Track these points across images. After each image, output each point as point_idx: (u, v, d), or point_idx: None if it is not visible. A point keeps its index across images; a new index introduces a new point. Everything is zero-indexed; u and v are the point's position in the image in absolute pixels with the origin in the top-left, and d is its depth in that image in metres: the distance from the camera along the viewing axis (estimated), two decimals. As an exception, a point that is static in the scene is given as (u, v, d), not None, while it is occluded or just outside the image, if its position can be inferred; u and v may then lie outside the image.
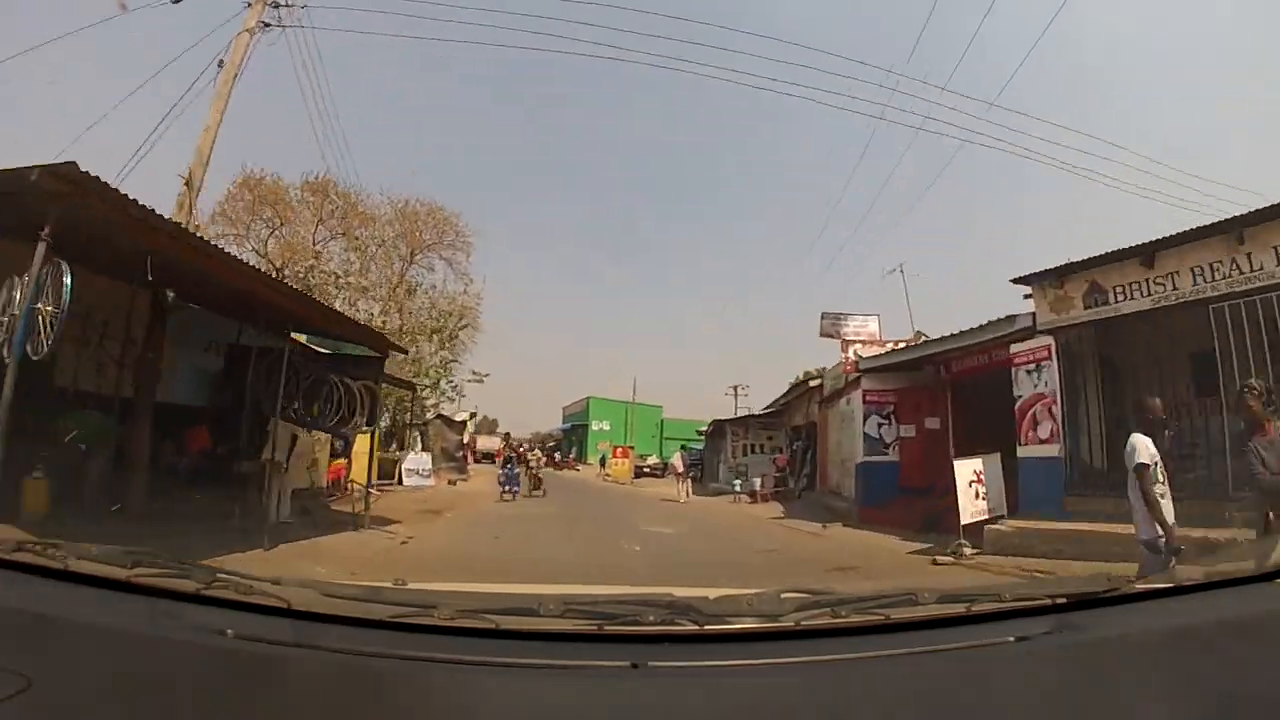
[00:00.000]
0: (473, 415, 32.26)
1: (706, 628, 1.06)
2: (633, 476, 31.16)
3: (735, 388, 43.47)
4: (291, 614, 1.06)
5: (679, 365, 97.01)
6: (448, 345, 24.48)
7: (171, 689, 0.88)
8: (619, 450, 36.07)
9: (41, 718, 0.77)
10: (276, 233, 21.68)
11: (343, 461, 13.57)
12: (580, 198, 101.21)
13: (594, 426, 53.73)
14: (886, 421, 13.26)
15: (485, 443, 43.46)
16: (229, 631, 0.98)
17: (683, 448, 28.87)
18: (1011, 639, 1.06)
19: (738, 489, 20.04)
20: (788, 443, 22.34)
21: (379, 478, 14.43)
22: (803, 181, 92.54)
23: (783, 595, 1.25)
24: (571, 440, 56.62)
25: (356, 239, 22.93)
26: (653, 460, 37.79)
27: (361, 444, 12.94)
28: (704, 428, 32.50)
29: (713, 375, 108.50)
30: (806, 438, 19.72)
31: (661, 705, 0.90)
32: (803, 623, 1.09)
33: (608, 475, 32.76)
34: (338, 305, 18.34)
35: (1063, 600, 1.18)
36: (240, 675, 0.93)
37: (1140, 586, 1.28)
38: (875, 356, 14.30)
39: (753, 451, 23.87)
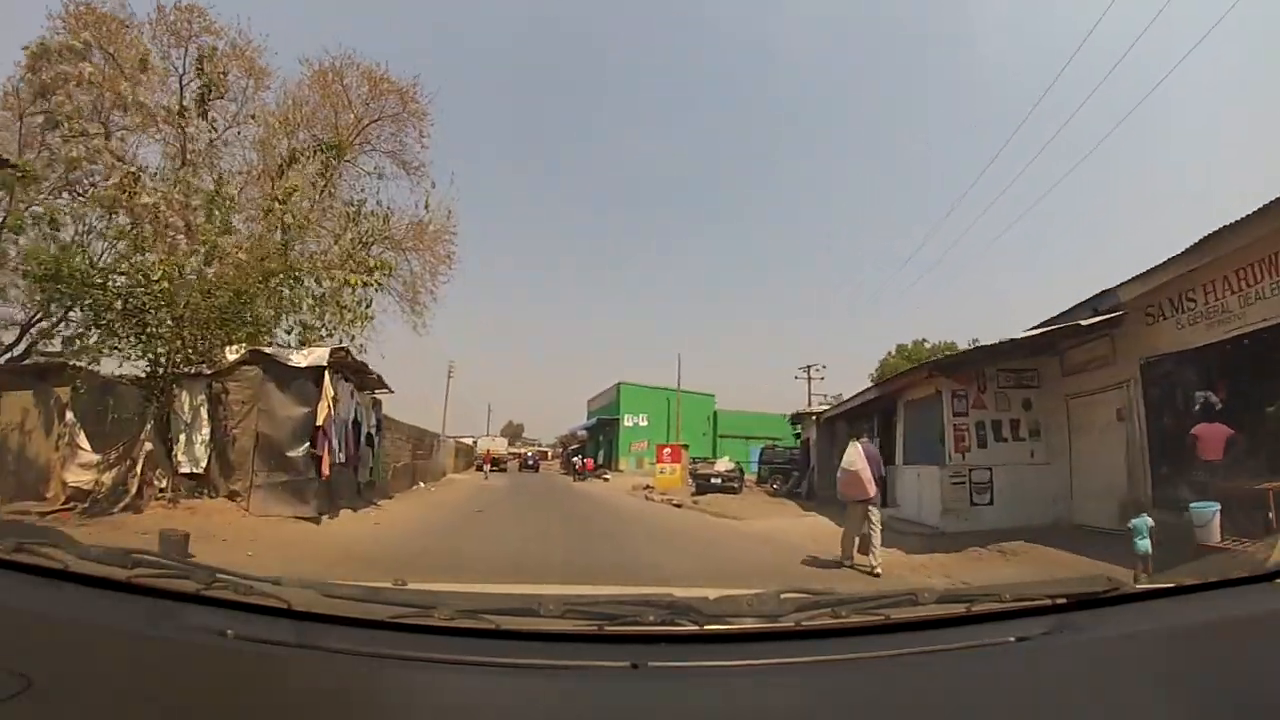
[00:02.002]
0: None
1: (707, 628, 1.07)
2: (692, 492, 20.17)
3: (808, 369, 36.76)
4: (291, 614, 1.06)
5: (723, 350, 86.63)
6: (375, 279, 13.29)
7: (171, 689, 0.88)
8: (668, 451, 25.69)
9: (41, 718, 0.77)
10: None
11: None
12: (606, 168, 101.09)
13: (625, 421, 42.21)
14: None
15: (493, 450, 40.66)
16: (229, 632, 0.98)
17: (770, 446, 23.82)
18: (1011, 639, 1.06)
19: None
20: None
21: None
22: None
23: (783, 596, 1.25)
24: (598, 441, 45.19)
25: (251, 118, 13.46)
26: (723, 465, 22.44)
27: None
28: (802, 419, 21.75)
29: (766, 359, 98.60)
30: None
31: (661, 705, 0.90)
32: (803, 623, 1.09)
33: (651, 490, 22.34)
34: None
35: (1063, 600, 1.18)
36: (240, 675, 0.93)
37: (1140, 587, 1.28)
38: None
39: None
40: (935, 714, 0.91)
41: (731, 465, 22.20)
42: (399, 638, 1.02)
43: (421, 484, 20.39)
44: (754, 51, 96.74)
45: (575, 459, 36.87)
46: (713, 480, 20.36)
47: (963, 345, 34.04)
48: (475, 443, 43.83)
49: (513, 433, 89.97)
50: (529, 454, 53.94)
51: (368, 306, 12.89)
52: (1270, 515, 5.35)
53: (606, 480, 31.63)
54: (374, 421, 14.31)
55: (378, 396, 14.69)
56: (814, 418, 20.10)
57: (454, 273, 16.81)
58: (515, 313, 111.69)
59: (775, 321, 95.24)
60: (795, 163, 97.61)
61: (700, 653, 1.04)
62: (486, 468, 34.52)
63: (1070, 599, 1.18)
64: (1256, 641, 1.11)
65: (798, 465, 20.80)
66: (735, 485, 20.31)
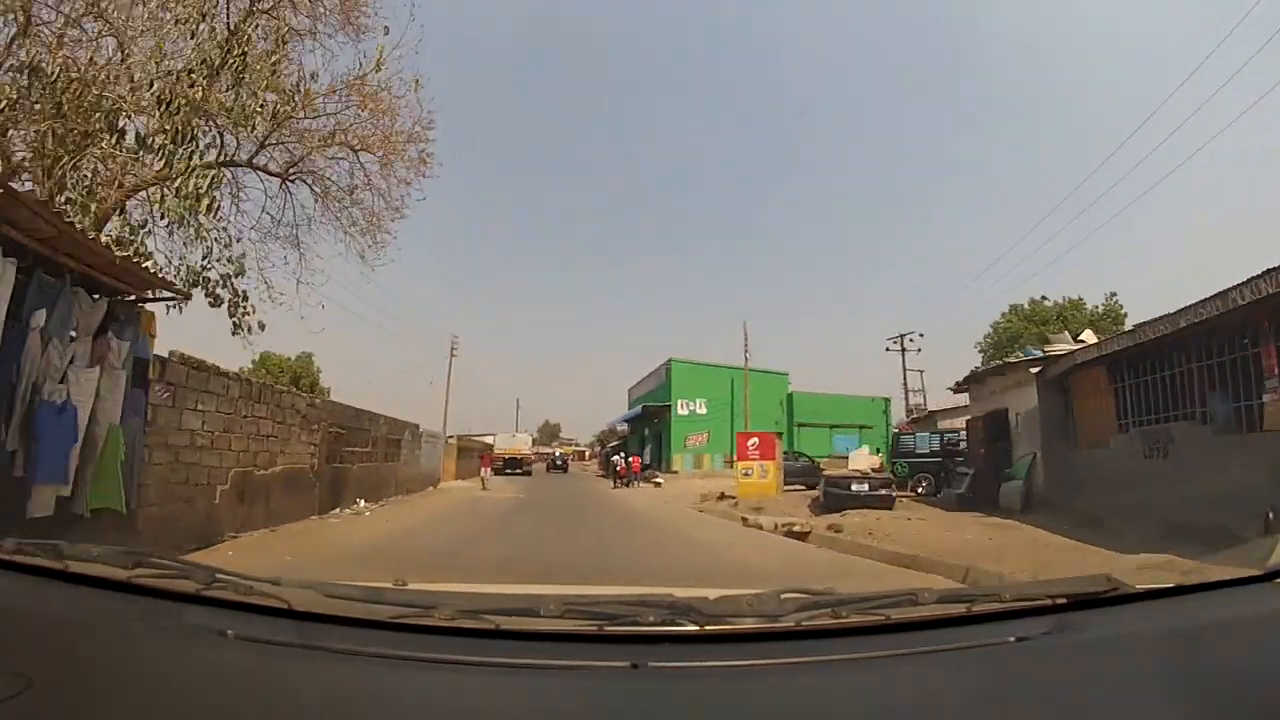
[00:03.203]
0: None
1: (707, 628, 1.07)
2: (815, 506, 13.73)
3: (901, 338, 31.34)
4: (292, 614, 1.07)
5: (787, 328, 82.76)
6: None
7: (172, 689, 0.88)
8: (754, 442, 17.66)
9: (41, 718, 0.78)
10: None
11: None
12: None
13: (679, 408, 34.45)
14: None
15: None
16: (229, 632, 0.99)
17: (905, 431, 19.15)
18: (1011, 639, 1.06)
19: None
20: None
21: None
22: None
23: (783, 595, 1.24)
24: (643, 435, 38.67)
25: None
26: (863, 460, 15.54)
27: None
28: (982, 378, 14.13)
29: (838, 337, 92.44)
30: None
31: (661, 705, 0.90)
32: (803, 623, 1.09)
33: (733, 502, 15.55)
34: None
35: (1063, 600, 1.18)
36: (241, 675, 0.94)
37: (1140, 587, 1.27)
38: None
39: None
40: (935, 714, 0.91)
41: (876, 461, 14.98)
42: (399, 638, 1.02)
43: (362, 502, 13.59)
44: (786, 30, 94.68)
45: (616, 458, 29.48)
46: (854, 488, 12.77)
47: (1093, 302, 31.96)
48: (495, 440, 38.36)
49: (549, 432, 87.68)
50: (556, 453, 50.69)
51: (200, 171, 7.84)
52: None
53: (658, 485, 25.39)
54: (123, 372, 6.20)
55: (141, 329, 6.58)
56: (1039, 367, 11.53)
57: (430, 180, 11.20)
58: (549, 310, 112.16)
59: (846, 292, 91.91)
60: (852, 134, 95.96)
61: (700, 653, 1.04)
62: (485, 473, 25.52)
63: (1070, 599, 1.18)
64: (1256, 641, 1.11)
65: (962, 459, 14.75)
66: (887, 494, 12.73)
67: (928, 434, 18.47)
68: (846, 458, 18.00)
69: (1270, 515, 4.42)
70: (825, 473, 15.91)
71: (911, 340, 32.28)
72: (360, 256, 11.37)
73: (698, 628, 1.06)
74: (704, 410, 34.58)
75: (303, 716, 0.88)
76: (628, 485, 26.27)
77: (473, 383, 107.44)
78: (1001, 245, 58.55)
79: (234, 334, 9.61)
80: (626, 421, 42.56)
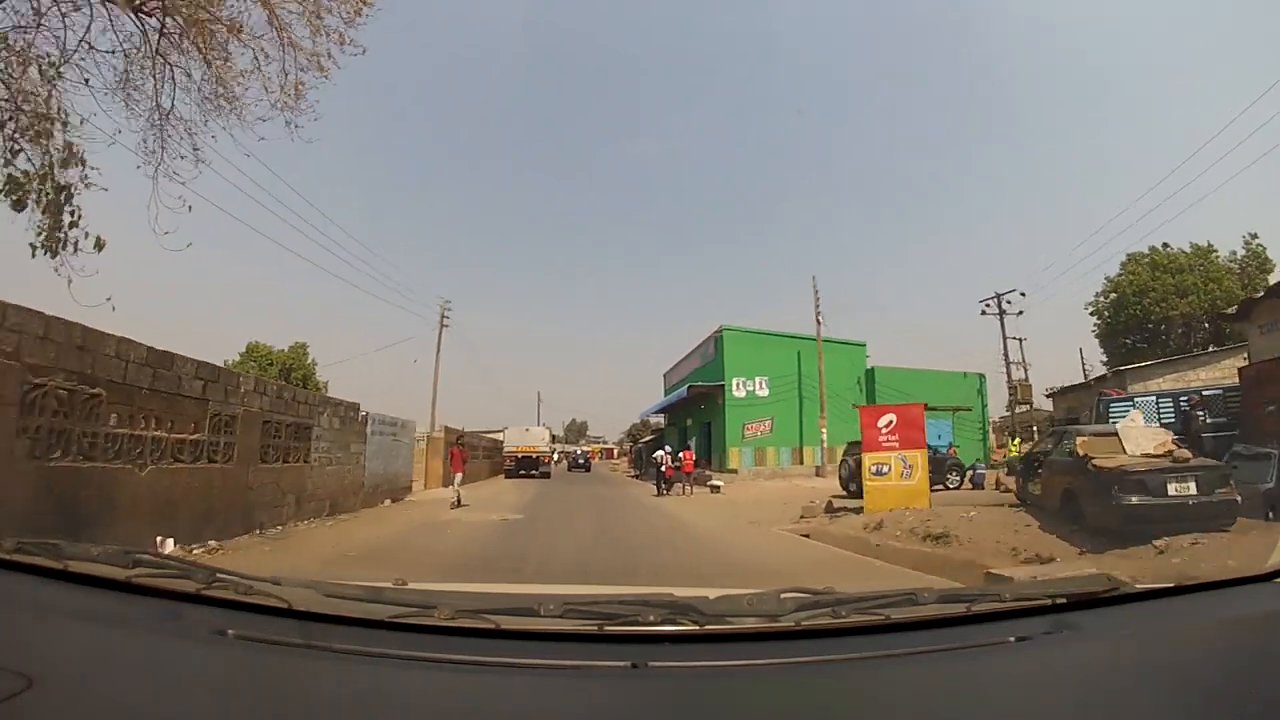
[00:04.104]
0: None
1: (707, 628, 1.07)
2: (1110, 516, 6.76)
3: (998, 299, 25.22)
4: (292, 614, 1.07)
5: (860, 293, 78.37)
6: None
7: (172, 688, 0.87)
8: (888, 420, 10.85)
9: (41, 718, 0.77)
10: None
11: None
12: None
13: (733, 389, 25.98)
14: None
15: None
16: (230, 631, 0.99)
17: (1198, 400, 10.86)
18: (1011, 639, 1.07)
19: None
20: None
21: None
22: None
23: (783, 595, 1.23)
24: (684, 426, 30.78)
25: None
26: (1146, 435, 7.78)
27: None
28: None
29: (911, 304, 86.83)
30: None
31: (661, 705, 0.90)
32: (803, 623, 1.09)
33: (878, 522, 9.02)
34: None
35: (1063, 600, 1.18)
36: (241, 674, 0.94)
37: (1140, 586, 1.27)
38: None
39: None
40: (935, 714, 0.91)
41: (1163, 439, 7.77)
42: (399, 637, 1.02)
43: (258, 530, 9.10)
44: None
45: (661, 452, 19.86)
46: (1172, 490, 6.72)
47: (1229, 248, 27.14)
48: (505, 436, 30.24)
49: (576, 430, 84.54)
50: (578, 450, 48.37)
51: None
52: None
53: (716, 489, 18.86)
54: None
55: None
56: None
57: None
58: (573, 306, 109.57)
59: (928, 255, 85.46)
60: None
61: (700, 653, 1.04)
62: (457, 480, 14.96)
63: (1070, 599, 1.19)
64: (1256, 641, 1.11)
65: (1234, 431, 9.87)
66: (1227, 502, 6.70)
67: (1153, 398, 12.20)
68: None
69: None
70: (1093, 462, 7.46)
71: (1010, 302, 25.65)
72: (287, 125, 7.40)
73: (698, 627, 1.06)
74: (765, 391, 26.34)
75: (303, 716, 0.87)
76: (669, 491, 18.46)
77: (496, 381, 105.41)
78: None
79: (42, 253, 6.24)
80: (662, 411, 34.73)
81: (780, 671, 0.97)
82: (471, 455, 22.12)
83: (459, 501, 13.99)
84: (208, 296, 73.38)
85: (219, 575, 1.15)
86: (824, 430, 25.04)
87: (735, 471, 24.20)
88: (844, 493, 14.49)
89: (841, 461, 16.03)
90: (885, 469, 10.74)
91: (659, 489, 18.72)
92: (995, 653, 1.04)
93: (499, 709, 0.87)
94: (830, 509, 11.89)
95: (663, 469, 18.97)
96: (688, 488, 18.86)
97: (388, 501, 14.85)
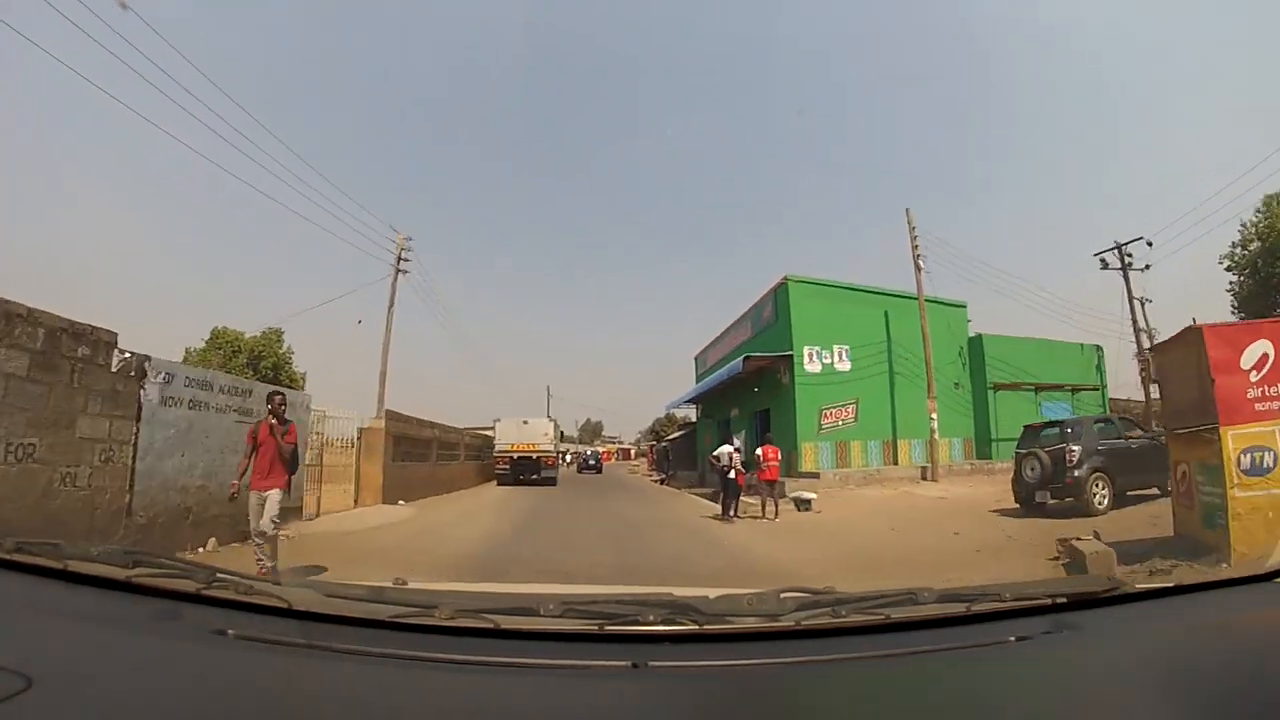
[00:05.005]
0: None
1: (706, 627, 1.07)
2: None
3: (1120, 249, 20.36)
4: (292, 614, 1.06)
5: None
6: None
7: (172, 688, 0.87)
8: (1267, 378, 5.19)
9: (41, 718, 0.76)
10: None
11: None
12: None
13: (804, 361, 18.22)
14: None
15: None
16: (230, 631, 0.99)
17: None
18: (1011, 639, 1.06)
19: None
20: None
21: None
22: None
23: (783, 595, 1.24)
24: (727, 418, 23.31)
25: None
26: None
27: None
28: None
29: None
30: None
31: (662, 705, 0.90)
32: (803, 622, 1.09)
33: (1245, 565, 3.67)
34: None
35: (1063, 600, 1.19)
36: (241, 674, 0.93)
37: (1140, 586, 1.27)
38: None
39: None
40: (935, 714, 0.90)
41: None
42: (400, 637, 1.02)
43: None
44: None
45: (728, 449, 12.49)
46: None
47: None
48: (496, 431, 23.37)
49: (591, 431, 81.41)
50: (588, 450, 47.03)
51: None
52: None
53: (807, 508, 12.17)
54: None
55: None
56: None
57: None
58: (585, 306, 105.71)
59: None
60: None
61: (701, 652, 1.04)
62: (267, 509, 5.71)
63: (1070, 599, 1.19)
64: (1256, 641, 1.11)
65: None
66: None
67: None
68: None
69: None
70: None
71: (1130, 255, 20.35)
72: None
73: (697, 627, 1.06)
74: (847, 365, 18.76)
75: (303, 716, 0.87)
76: (736, 504, 12.06)
77: (506, 379, 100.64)
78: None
79: None
80: (695, 401, 26.43)
81: (780, 671, 0.97)
82: (418, 452, 16.24)
83: (273, 549, 5.77)
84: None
85: (219, 575, 1.15)
86: (934, 416, 17.44)
87: (817, 476, 16.51)
88: (1016, 506, 10.48)
89: (1027, 456, 10.31)
90: (1272, 460, 5.25)
91: (724, 509, 11.96)
92: (995, 652, 1.05)
93: (499, 709, 0.87)
94: (1062, 547, 6.16)
95: (727, 473, 11.96)
96: (771, 504, 11.86)
97: (211, 542, 7.69)
